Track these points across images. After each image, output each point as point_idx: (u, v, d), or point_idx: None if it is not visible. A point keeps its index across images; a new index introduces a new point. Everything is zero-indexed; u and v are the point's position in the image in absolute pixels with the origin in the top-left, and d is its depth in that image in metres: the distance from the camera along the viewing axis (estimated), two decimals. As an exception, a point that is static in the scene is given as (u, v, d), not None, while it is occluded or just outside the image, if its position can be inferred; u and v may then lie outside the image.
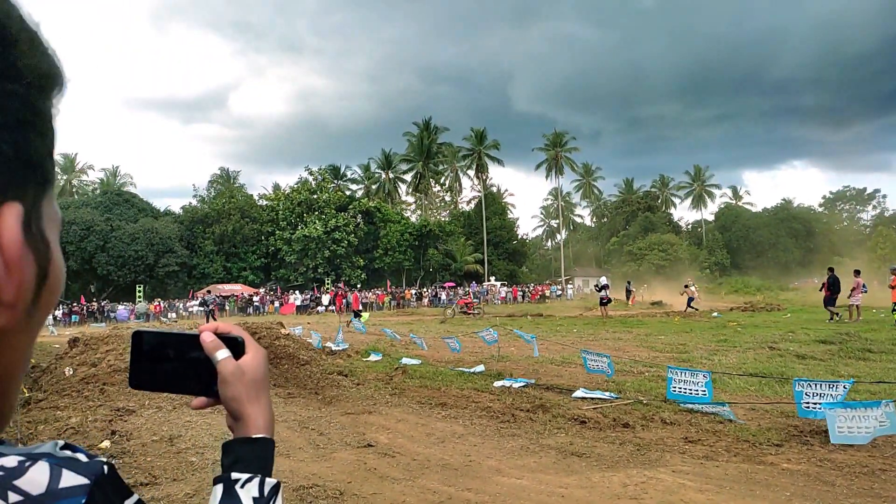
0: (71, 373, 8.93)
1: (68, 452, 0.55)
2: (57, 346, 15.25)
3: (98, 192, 62.13)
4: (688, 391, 7.73)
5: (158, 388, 0.80)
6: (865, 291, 20.10)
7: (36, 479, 0.50)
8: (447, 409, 7.99)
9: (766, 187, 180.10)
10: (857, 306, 19.51)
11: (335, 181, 66.40)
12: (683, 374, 7.90)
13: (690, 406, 7.58)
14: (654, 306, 35.30)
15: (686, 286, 29.00)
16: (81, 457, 0.56)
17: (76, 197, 61.21)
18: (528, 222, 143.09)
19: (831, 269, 21.16)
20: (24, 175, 0.35)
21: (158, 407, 7.85)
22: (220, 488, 0.75)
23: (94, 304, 43.43)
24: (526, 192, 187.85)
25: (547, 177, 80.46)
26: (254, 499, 0.74)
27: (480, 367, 11.01)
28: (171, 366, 0.79)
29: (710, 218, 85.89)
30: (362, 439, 6.57)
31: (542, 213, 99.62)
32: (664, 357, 12.13)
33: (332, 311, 39.82)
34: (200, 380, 0.79)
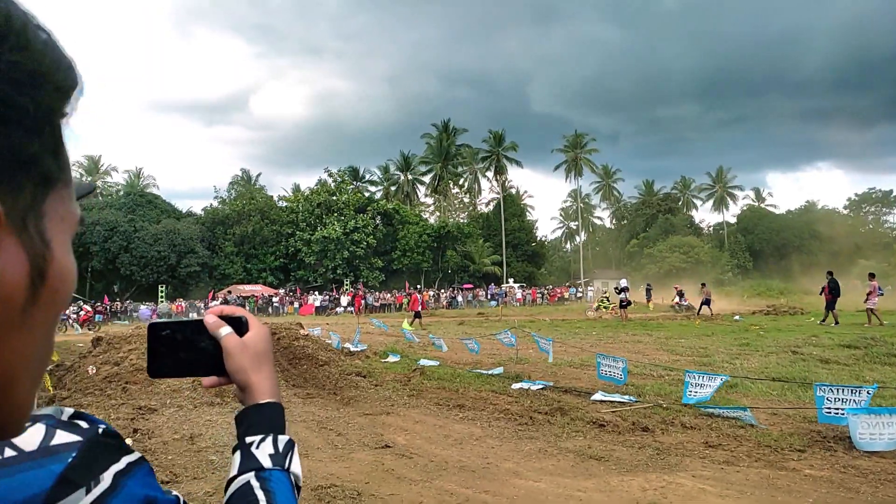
0: (94, 371, 9.08)
1: (72, 420, 0.60)
2: (81, 344, 15.51)
3: (122, 193, 63.01)
4: (704, 395, 7.67)
5: (174, 374, 0.84)
6: (882, 294, 19.86)
7: (31, 437, 0.56)
8: (465, 411, 7.99)
9: (789, 189, 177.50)
10: (873, 310, 19.32)
11: (354, 183, 66.73)
12: (700, 379, 7.83)
13: (711, 410, 7.51)
14: (673, 309, 34.94)
15: (703, 285, 28.70)
16: (82, 423, 0.60)
17: (100, 198, 62.18)
18: (546, 224, 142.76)
19: (830, 273, 21.05)
20: (11, 174, 0.35)
21: (179, 406, 7.95)
22: (238, 454, 0.78)
23: (117, 303, 44.10)
24: (545, 194, 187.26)
25: (566, 178, 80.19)
26: (269, 455, 0.77)
27: (499, 369, 10.99)
28: (184, 352, 0.83)
29: (733, 220, 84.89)
30: (380, 440, 6.59)
31: (561, 215, 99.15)
32: (685, 361, 12.02)
33: (351, 312, 40.02)
34: (211, 361, 0.82)
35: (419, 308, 26.46)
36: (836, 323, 19.52)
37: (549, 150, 79.13)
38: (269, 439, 0.79)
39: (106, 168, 70.31)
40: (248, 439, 0.79)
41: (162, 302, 44.30)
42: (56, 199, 0.39)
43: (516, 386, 9.49)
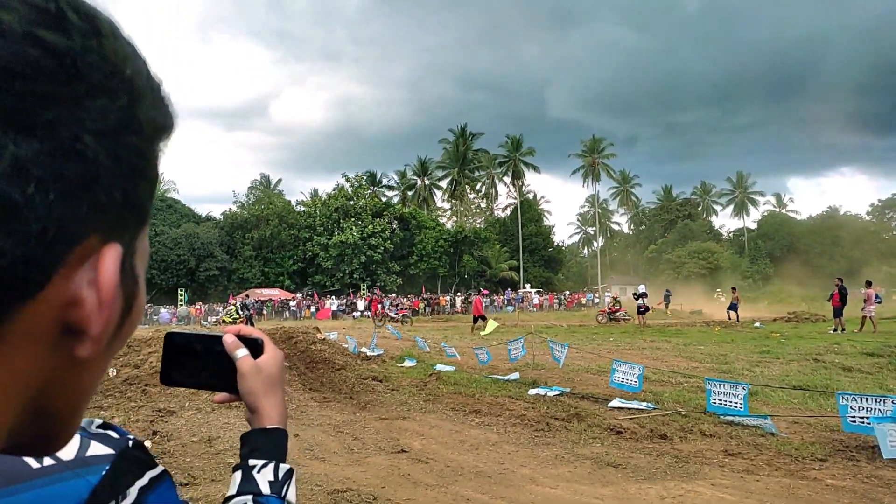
0: (114, 374, 9.19)
1: (101, 430, 0.64)
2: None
3: (143, 197, 63.73)
4: (727, 403, 7.55)
5: (187, 385, 0.86)
6: (879, 302, 19.84)
7: (68, 447, 0.57)
8: (481, 417, 7.97)
9: (811, 195, 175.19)
10: (870, 318, 19.39)
11: (371, 187, 66.98)
12: (723, 386, 7.73)
13: (731, 418, 7.41)
14: (694, 315, 34.62)
15: (733, 289, 28.35)
16: (112, 433, 0.64)
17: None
18: (564, 229, 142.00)
19: (840, 280, 20.96)
20: (128, 217, 0.37)
21: (198, 409, 8.01)
22: (238, 474, 0.82)
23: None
24: (562, 199, 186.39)
25: (583, 183, 79.96)
26: (269, 482, 0.81)
27: (515, 375, 10.95)
28: (198, 364, 0.85)
29: (753, 226, 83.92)
30: (396, 445, 6.60)
31: (578, 220, 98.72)
32: (704, 368, 11.89)
33: (368, 317, 40.11)
34: (223, 377, 0.85)
35: (482, 312, 26.28)
36: (843, 330, 19.60)
37: (566, 155, 79.02)
38: (271, 466, 0.82)
39: (127, 173, 71.21)
40: (251, 462, 0.82)
41: (182, 305, 44.75)
42: (143, 236, 0.41)
43: (533, 392, 9.45)
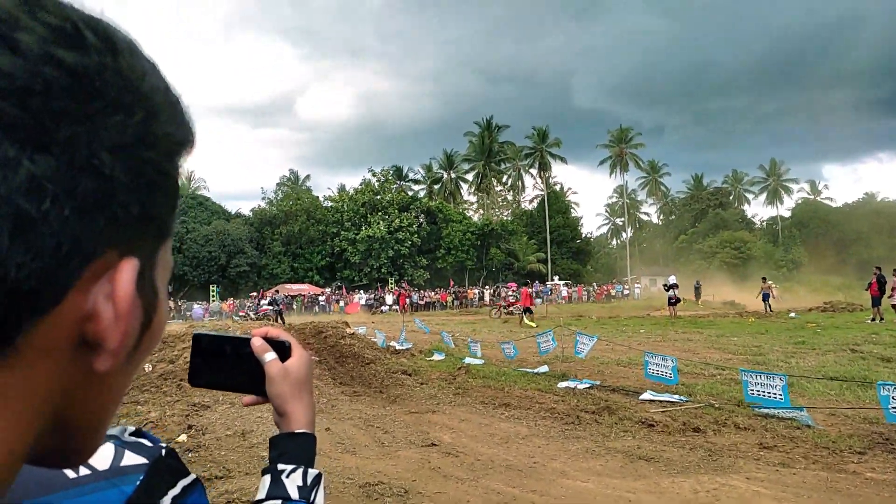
0: (150, 369, 9.39)
1: (134, 438, 0.65)
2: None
3: (175, 196, 64.95)
4: (764, 394, 7.41)
5: (214, 386, 0.87)
6: None
7: (102, 456, 0.60)
8: (511, 410, 7.96)
9: (847, 181, 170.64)
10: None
11: (398, 182, 67.19)
12: (759, 378, 7.59)
13: (765, 410, 7.28)
14: (726, 306, 34.07)
15: (763, 279, 27.87)
16: (146, 441, 0.65)
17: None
18: (592, 220, 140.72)
19: (878, 268, 20.36)
20: (146, 231, 0.38)
21: (231, 403, 8.15)
22: (267, 478, 0.82)
23: (171, 302, 45.55)
24: (589, 190, 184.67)
25: (611, 174, 79.03)
26: (298, 487, 0.81)
27: (544, 368, 10.91)
28: (225, 366, 0.86)
29: (787, 214, 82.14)
30: (426, 438, 6.63)
31: (606, 211, 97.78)
32: (737, 359, 11.70)
33: (396, 311, 40.35)
34: (251, 379, 0.85)
35: (530, 303, 26.21)
36: (881, 319, 19.10)
37: (594, 146, 78.20)
38: (300, 471, 0.82)
39: (159, 172, 72.65)
40: (280, 466, 0.82)
41: (214, 301, 45.51)
42: (165, 248, 0.41)
43: (562, 385, 9.41)
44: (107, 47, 0.35)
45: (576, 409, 7.83)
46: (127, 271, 0.36)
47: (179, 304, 45.17)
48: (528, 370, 10.86)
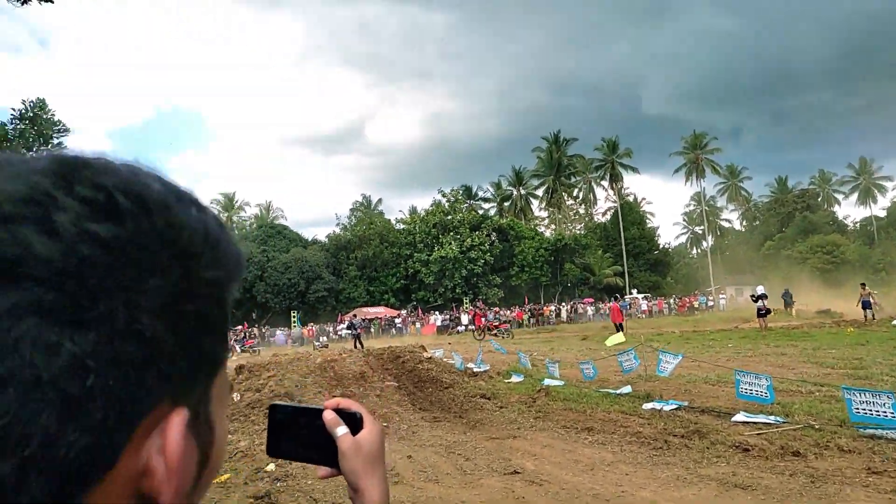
0: (238, 398, 9.73)
1: None
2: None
3: (254, 225, 67.97)
4: (871, 413, 6.88)
5: (290, 457, 0.87)
6: None
7: None
8: (594, 434, 7.74)
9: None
10: None
11: (468, 201, 67.54)
12: (864, 395, 7.06)
13: (872, 431, 6.76)
14: (821, 315, 32.08)
15: (862, 285, 26.10)
16: None
17: (236, 232, 67.34)
18: (669, 230, 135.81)
19: None
20: (197, 375, 0.38)
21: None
22: None
23: (255, 329, 47.35)
24: (664, 199, 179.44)
25: (686, 181, 76.43)
26: None
27: (627, 388, 10.58)
28: (300, 438, 0.86)
29: (882, 214, 76.90)
30: (508, 465, 6.53)
31: (684, 220, 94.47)
32: (836, 374, 10.96)
33: (472, 331, 40.27)
34: (325, 451, 0.85)
35: (621, 319, 25.70)
36: None
37: (667, 154, 75.99)
38: None
39: (240, 204, 76.24)
40: None
41: (295, 327, 46.93)
42: (220, 376, 0.41)
43: (647, 406, 9.07)
44: (141, 210, 0.35)
45: (663, 432, 7.52)
46: (176, 424, 0.36)
47: (263, 330, 46.86)
48: (610, 391, 10.55)
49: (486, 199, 73.06)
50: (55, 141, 13.15)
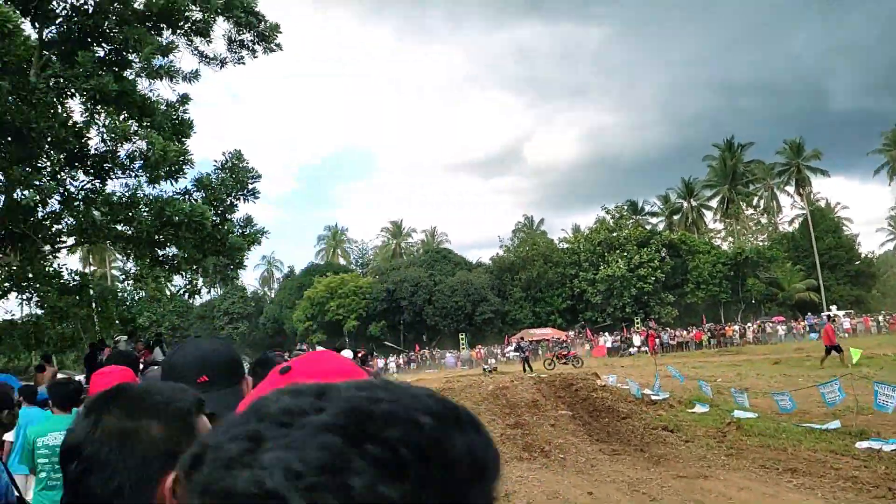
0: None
1: None
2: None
3: (421, 251, 70.92)
4: None
5: None
6: None
7: None
8: (799, 477, 6.94)
9: None
10: None
11: (634, 216, 64.96)
12: None
13: None
14: None
15: None
16: None
17: (404, 258, 70.73)
18: (871, 238, 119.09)
19: None
20: None
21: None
22: None
23: (426, 351, 49.15)
24: (863, 203, 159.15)
25: (890, 181, 67.16)
26: None
27: (835, 423, 9.38)
28: None
29: None
30: (701, 509, 6.05)
31: (890, 225, 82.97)
32: None
33: (646, 353, 38.42)
34: None
35: (835, 342, 23.36)
36: None
37: (863, 153, 67.41)
38: None
39: (407, 230, 80.00)
40: None
41: (463, 349, 47.97)
42: None
43: (862, 445, 7.98)
44: (420, 462, 0.36)
45: (886, 477, 6.55)
46: None
47: (434, 353, 48.47)
48: (814, 426, 9.43)
49: (653, 214, 69.82)
50: (250, 186, 15.00)
